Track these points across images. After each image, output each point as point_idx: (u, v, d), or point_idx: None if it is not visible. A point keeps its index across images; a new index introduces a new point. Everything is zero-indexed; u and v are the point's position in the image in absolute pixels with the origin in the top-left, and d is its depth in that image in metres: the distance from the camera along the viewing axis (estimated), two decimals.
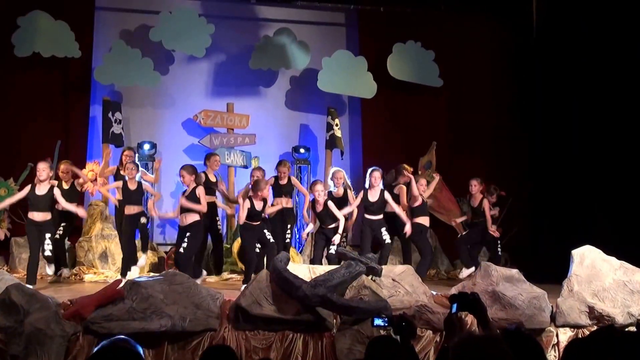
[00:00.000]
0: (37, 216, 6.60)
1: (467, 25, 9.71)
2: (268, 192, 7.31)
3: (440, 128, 9.60)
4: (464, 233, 7.83)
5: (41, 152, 8.31)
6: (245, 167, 9.09)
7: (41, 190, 6.68)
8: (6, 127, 8.60)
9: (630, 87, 7.84)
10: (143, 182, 7.32)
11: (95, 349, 2.52)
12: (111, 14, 9.34)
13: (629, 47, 7.86)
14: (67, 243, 7.96)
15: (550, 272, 7.14)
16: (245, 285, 6.45)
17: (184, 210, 6.73)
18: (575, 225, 7.64)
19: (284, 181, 7.63)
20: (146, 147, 8.92)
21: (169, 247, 8.41)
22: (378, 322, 3.55)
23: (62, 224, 7.29)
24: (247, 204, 6.68)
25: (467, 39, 9.68)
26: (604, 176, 7.82)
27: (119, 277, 6.78)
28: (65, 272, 7.30)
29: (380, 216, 7.07)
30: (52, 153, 8.31)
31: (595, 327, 5.25)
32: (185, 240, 6.63)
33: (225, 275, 7.78)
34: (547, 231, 7.69)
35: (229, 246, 8.17)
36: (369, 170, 7.25)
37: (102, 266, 7.80)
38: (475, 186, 7.64)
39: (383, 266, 5.69)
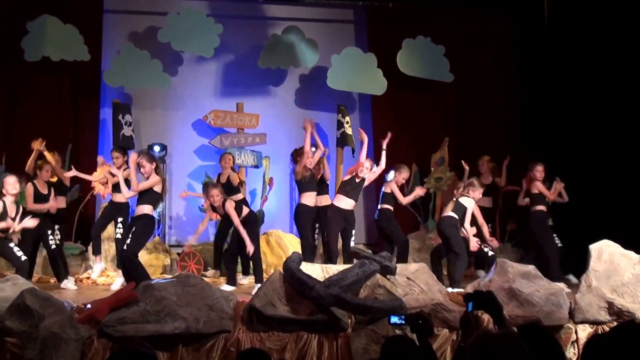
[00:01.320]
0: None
1: (477, 20, 9.63)
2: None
3: (451, 123, 9.53)
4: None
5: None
6: (257, 166, 9.07)
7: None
8: (17, 131, 8.63)
9: None
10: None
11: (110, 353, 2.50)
12: (119, 16, 9.35)
13: None
14: (80, 247, 7.97)
15: (564, 269, 7.08)
16: (258, 285, 6.44)
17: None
18: (586, 223, 7.55)
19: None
20: (157, 148, 8.91)
21: (181, 249, 8.41)
22: (395, 320, 3.51)
23: (51, 231, 6.91)
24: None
25: (477, 34, 9.60)
26: (616, 174, 7.71)
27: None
28: (69, 285, 6.84)
29: None
30: (63, 157, 8.32)
31: (615, 323, 5.18)
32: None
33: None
34: (558, 229, 7.58)
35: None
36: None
37: (115, 269, 7.79)
38: (483, 165, 7.64)
39: (397, 264, 5.64)
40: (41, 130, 8.60)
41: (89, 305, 5.18)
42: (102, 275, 7.61)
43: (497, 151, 9.09)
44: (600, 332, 5.04)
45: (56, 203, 6.96)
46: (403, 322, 3.50)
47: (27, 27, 8.47)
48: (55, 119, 8.80)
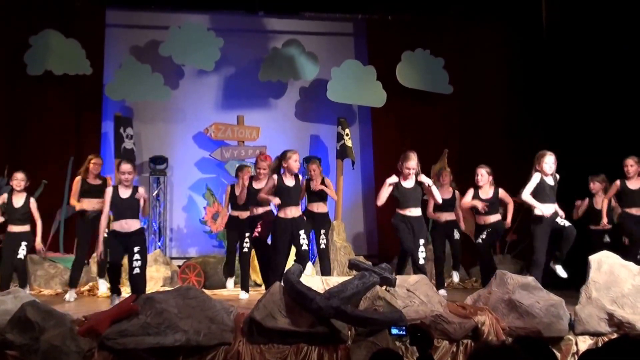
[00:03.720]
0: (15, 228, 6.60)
1: (476, 31, 9.70)
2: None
3: (451, 135, 9.57)
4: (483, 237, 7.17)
5: (54, 168, 8.39)
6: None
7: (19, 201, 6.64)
8: (20, 144, 8.69)
9: None
10: None
11: None
12: (121, 30, 9.43)
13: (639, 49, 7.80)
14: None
15: (565, 280, 7.04)
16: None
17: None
18: (589, 233, 7.54)
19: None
20: (158, 161, 8.97)
21: (182, 261, 8.42)
22: (396, 331, 3.53)
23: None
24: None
25: (476, 45, 9.67)
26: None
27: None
28: (68, 296, 6.79)
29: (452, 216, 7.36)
30: (65, 169, 8.36)
31: (615, 335, 5.17)
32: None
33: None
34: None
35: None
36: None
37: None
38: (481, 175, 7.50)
39: (397, 276, 5.64)
40: (43, 144, 8.70)
41: (89, 318, 5.18)
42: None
43: (497, 162, 9.11)
44: (600, 343, 5.04)
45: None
46: (404, 333, 3.52)
47: (29, 41, 8.56)
48: (57, 132, 8.84)
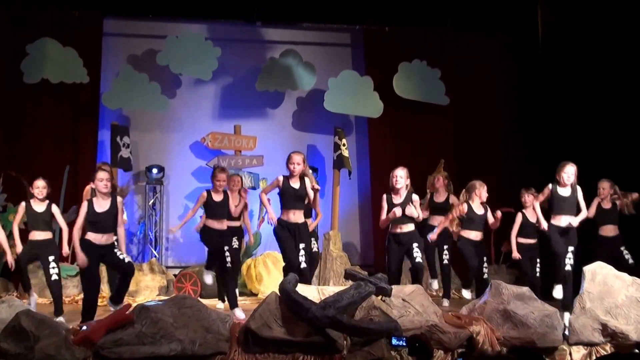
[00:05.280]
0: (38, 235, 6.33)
1: (473, 42, 9.76)
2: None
3: (447, 146, 9.60)
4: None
5: (50, 177, 8.33)
6: (254, 188, 9.11)
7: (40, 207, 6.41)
8: (16, 153, 8.68)
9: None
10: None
11: None
12: (118, 39, 9.46)
13: (636, 60, 7.86)
14: (77, 268, 7.94)
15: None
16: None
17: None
18: (586, 243, 7.55)
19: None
20: (154, 170, 8.98)
21: (178, 270, 8.41)
22: (395, 342, 3.55)
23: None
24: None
25: (472, 56, 9.72)
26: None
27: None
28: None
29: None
30: (61, 178, 8.36)
31: (609, 345, 5.19)
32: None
33: None
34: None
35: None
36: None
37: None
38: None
39: (393, 286, 5.66)
40: (39, 152, 8.70)
41: (84, 327, 5.17)
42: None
43: (494, 172, 9.16)
44: (594, 354, 5.06)
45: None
46: (404, 344, 3.54)
47: (26, 49, 8.58)
48: (53, 140, 8.84)
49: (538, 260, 6.87)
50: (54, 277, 6.18)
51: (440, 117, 9.64)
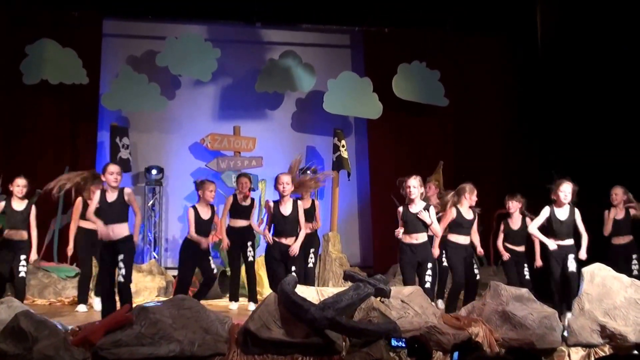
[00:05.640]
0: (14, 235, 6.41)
1: (472, 44, 9.78)
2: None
3: (447, 147, 9.61)
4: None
5: (49, 178, 8.34)
6: (253, 189, 9.10)
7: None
8: (15, 153, 8.69)
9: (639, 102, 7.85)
10: None
11: None
12: (118, 40, 9.47)
13: (635, 61, 7.87)
14: (76, 269, 7.95)
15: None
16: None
17: None
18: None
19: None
20: (154, 171, 8.99)
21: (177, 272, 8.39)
22: (395, 343, 3.55)
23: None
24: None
25: (472, 57, 9.74)
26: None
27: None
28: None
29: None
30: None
31: (607, 346, 5.19)
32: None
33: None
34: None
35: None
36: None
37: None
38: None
39: (392, 287, 5.66)
40: (39, 153, 8.70)
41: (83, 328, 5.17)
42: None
43: (494, 172, 9.18)
44: (593, 355, 5.07)
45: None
46: (403, 345, 3.54)
47: (26, 50, 8.58)
48: (53, 141, 8.85)
49: (525, 265, 6.75)
50: (22, 274, 6.44)
51: (439, 119, 9.66)
